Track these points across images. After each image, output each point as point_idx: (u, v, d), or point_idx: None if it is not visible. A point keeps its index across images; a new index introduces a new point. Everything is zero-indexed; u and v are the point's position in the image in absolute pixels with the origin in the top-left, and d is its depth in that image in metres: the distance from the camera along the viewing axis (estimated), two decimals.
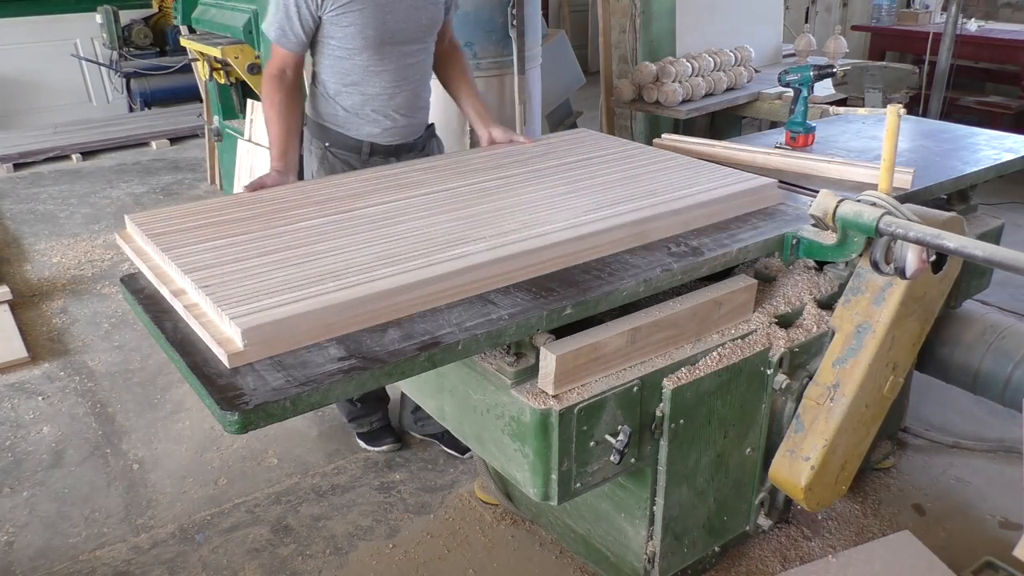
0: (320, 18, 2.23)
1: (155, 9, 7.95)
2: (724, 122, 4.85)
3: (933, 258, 1.88)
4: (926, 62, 4.88)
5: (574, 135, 2.56)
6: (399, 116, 2.40)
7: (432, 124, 2.58)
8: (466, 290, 1.57)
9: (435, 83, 2.53)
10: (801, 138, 2.58)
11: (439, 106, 2.86)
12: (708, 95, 4.33)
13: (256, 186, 2.11)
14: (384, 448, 2.80)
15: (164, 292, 1.58)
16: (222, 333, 1.40)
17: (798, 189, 2.23)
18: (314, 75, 2.41)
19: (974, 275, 2.41)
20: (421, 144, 2.51)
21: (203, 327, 1.42)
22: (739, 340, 1.84)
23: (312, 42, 2.31)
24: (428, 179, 2.10)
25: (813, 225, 1.93)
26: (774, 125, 4.42)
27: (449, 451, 2.77)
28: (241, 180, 4.77)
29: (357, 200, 1.94)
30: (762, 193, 2.06)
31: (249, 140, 4.70)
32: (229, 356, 1.34)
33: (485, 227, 1.76)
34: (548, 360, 1.57)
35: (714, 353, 1.80)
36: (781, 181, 2.22)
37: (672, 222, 1.87)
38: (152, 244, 1.70)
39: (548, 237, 1.70)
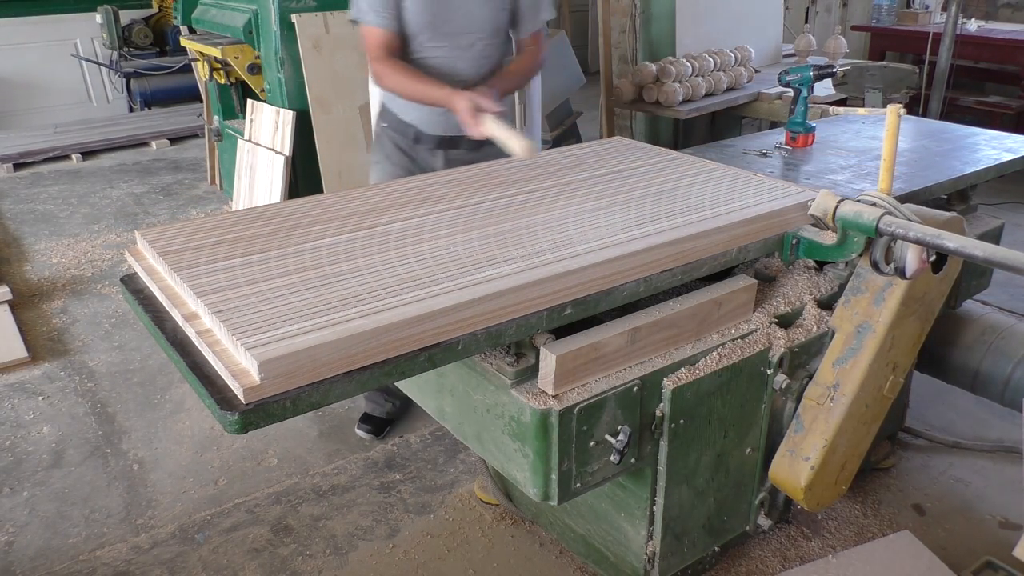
0: None
1: (155, 9, 7.95)
2: (724, 122, 4.85)
3: (933, 258, 1.88)
4: (926, 62, 4.88)
5: (604, 144, 2.47)
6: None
7: None
8: (498, 316, 1.49)
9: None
10: (801, 138, 2.58)
11: None
12: (708, 95, 4.33)
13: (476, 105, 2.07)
14: (360, 432, 2.89)
15: (176, 316, 1.51)
16: (237, 364, 1.31)
17: None
18: None
19: (974, 275, 2.41)
20: (475, 143, 2.34)
21: (217, 356, 1.34)
22: (739, 340, 1.84)
23: None
24: (452, 192, 2.00)
25: (813, 225, 1.93)
26: (774, 125, 4.43)
27: (362, 433, 2.89)
28: (241, 180, 4.78)
29: (378, 215, 1.85)
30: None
31: (249, 140, 4.70)
32: (245, 391, 1.25)
33: (516, 246, 1.66)
34: (548, 360, 1.57)
35: (714, 353, 1.80)
36: None
37: (715, 240, 1.78)
38: (163, 263, 1.62)
39: (584, 258, 1.60)
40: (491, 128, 2.08)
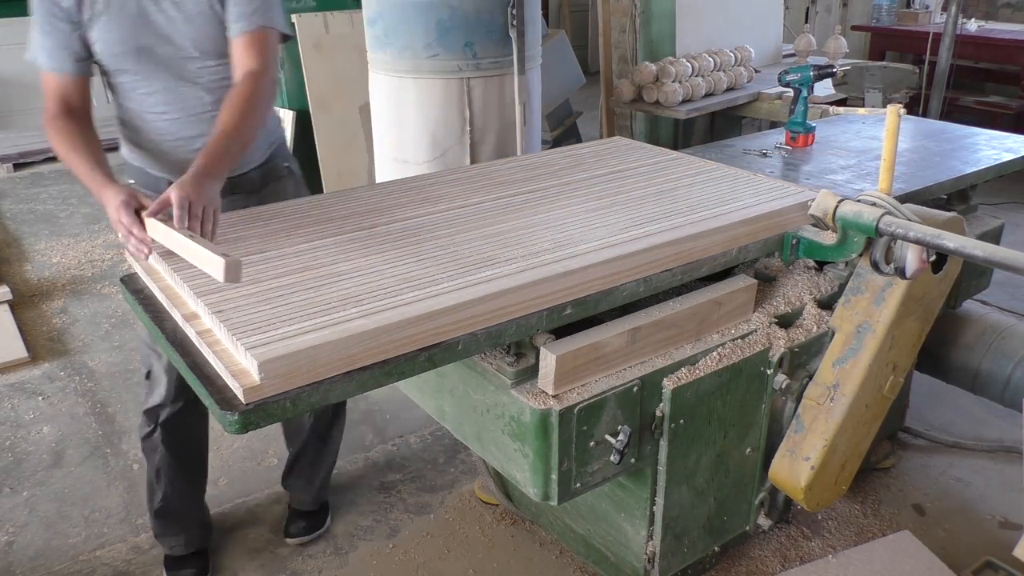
0: None
1: None
2: (724, 122, 4.85)
3: (933, 258, 1.88)
4: (926, 62, 4.88)
5: (604, 144, 2.47)
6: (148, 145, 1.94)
7: (272, 159, 2.07)
8: (498, 316, 1.49)
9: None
10: (801, 138, 2.58)
11: (439, 104, 2.86)
12: (708, 95, 4.33)
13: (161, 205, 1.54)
14: None
15: (176, 316, 1.51)
16: (237, 364, 1.31)
17: None
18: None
19: (974, 275, 2.41)
20: (258, 183, 2.01)
21: (217, 356, 1.34)
22: (739, 340, 1.84)
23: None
24: (452, 192, 2.01)
25: (813, 225, 1.93)
26: (774, 125, 4.43)
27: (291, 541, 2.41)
28: None
29: (378, 215, 1.84)
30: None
31: None
32: (245, 391, 1.25)
33: (516, 246, 1.66)
34: (548, 360, 1.57)
35: (714, 353, 1.80)
36: None
37: (715, 240, 1.78)
38: (163, 263, 1.60)
39: (584, 258, 1.61)
40: (169, 239, 1.52)
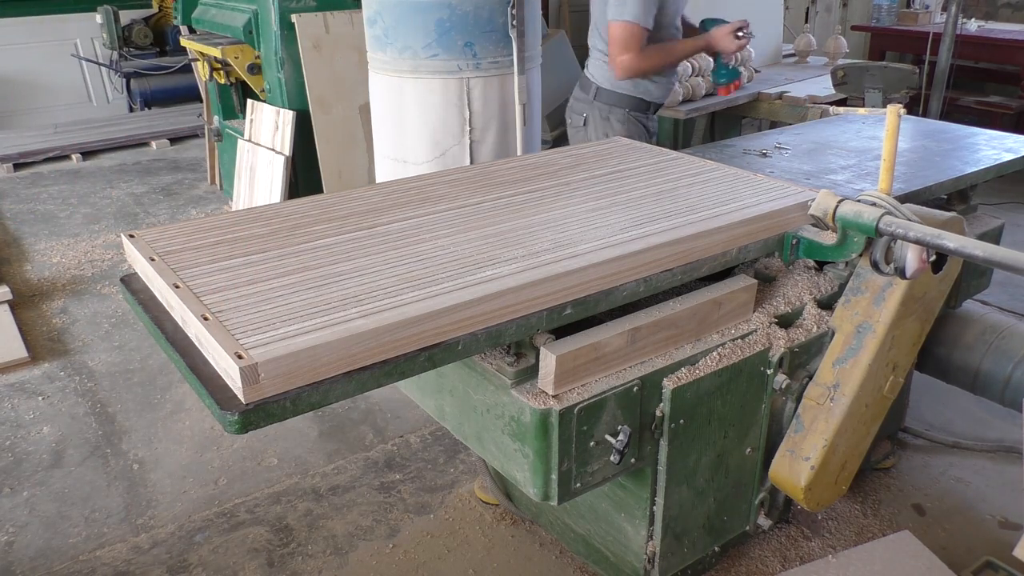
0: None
1: (155, 9, 7.95)
2: (724, 122, 4.85)
3: (933, 258, 1.88)
4: (926, 62, 4.88)
5: (604, 144, 2.48)
6: (663, 79, 2.99)
7: None
8: (498, 316, 1.49)
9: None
10: (722, 90, 3.15)
11: (439, 104, 2.86)
12: (708, 95, 4.33)
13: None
14: None
15: (176, 316, 1.51)
16: (235, 365, 1.28)
17: None
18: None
19: (974, 275, 2.41)
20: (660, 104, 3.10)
21: (216, 357, 1.33)
22: (739, 340, 1.84)
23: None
24: (452, 192, 2.00)
25: (813, 225, 1.93)
26: (774, 125, 4.43)
27: None
28: (241, 180, 4.78)
29: (378, 215, 1.84)
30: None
31: (249, 140, 4.71)
32: (245, 391, 1.26)
33: (516, 246, 1.66)
34: (548, 360, 1.57)
35: (714, 353, 1.80)
36: None
37: (715, 240, 1.78)
38: (164, 263, 1.61)
39: (584, 258, 1.60)
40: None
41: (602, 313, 1.66)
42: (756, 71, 4.66)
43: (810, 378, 1.98)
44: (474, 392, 1.73)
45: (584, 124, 3.08)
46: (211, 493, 2.65)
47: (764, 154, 2.54)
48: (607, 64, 2.93)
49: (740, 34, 2.88)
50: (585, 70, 3.09)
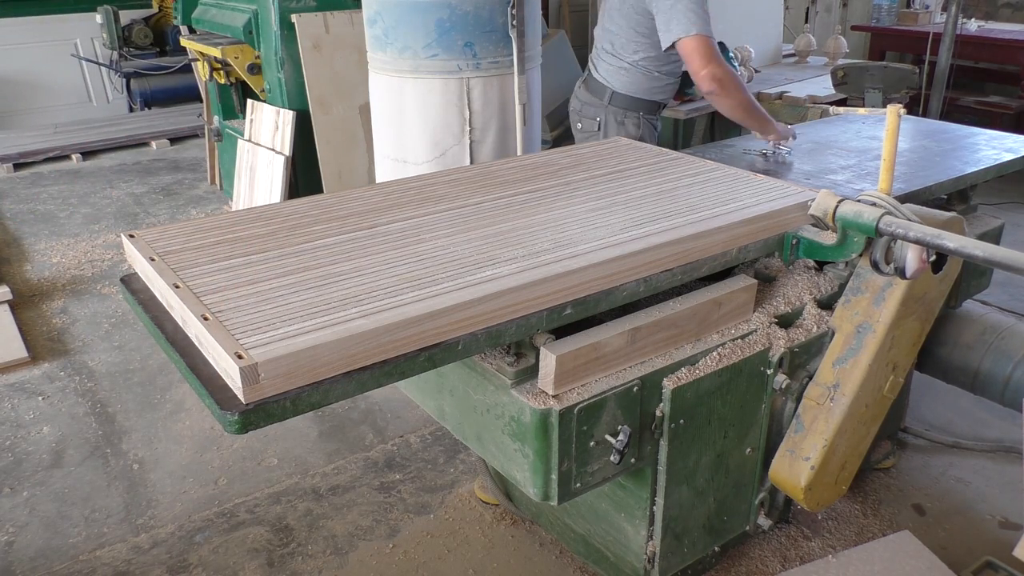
0: None
1: (155, 9, 7.95)
2: (724, 122, 4.85)
3: (933, 258, 1.88)
4: (926, 62, 4.88)
5: (604, 144, 2.49)
6: (671, 80, 2.96)
7: None
8: (498, 316, 1.48)
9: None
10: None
11: (439, 104, 2.86)
12: None
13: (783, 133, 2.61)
14: None
15: (176, 316, 1.51)
16: (235, 365, 1.28)
17: None
18: (636, 60, 2.87)
19: (974, 275, 2.41)
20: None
21: (216, 357, 1.33)
22: (739, 340, 1.84)
23: (646, 31, 2.77)
24: (452, 192, 2.00)
25: (813, 225, 1.93)
26: None
27: None
28: (241, 180, 4.78)
29: (378, 215, 1.84)
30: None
31: (249, 140, 4.71)
32: (245, 391, 1.26)
33: (515, 246, 1.66)
34: (548, 360, 1.57)
35: (714, 353, 1.80)
36: None
37: (715, 240, 1.78)
38: (164, 263, 1.61)
39: (584, 258, 1.60)
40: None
41: (602, 313, 1.66)
42: (756, 71, 4.66)
43: (810, 378, 1.98)
44: (474, 392, 1.73)
45: (599, 128, 3.06)
46: (211, 493, 2.65)
47: (764, 154, 2.55)
48: (625, 71, 2.90)
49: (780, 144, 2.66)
50: (593, 74, 3.04)
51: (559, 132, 5.20)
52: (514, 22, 2.82)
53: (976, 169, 2.38)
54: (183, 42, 5.26)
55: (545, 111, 4.45)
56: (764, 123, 2.60)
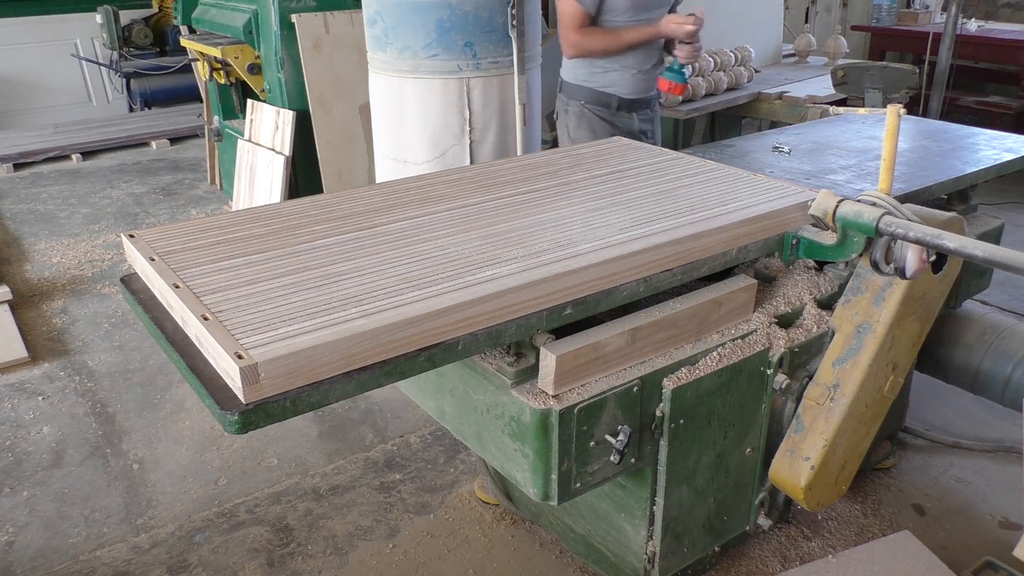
0: None
1: (155, 9, 7.96)
2: (724, 122, 4.86)
3: (933, 258, 1.88)
4: (926, 62, 4.88)
5: (604, 144, 2.48)
6: (639, 72, 2.93)
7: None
8: (498, 316, 1.48)
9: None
10: (662, 83, 2.90)
11: (439, 104, 2.86)
12: (708, 95, 4.33)
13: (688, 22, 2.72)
14: None
15: (176, 316, 1.51)
16: (235, 365, 1.28)
17: None
18: None
19: (974, 275, 2.41)
20: (651, 101, 3.06)
21: (217, 357, 1.33)
22: (739, 340, 1.84)
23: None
24: (452, 192, 2.00)
25: (813, 225, 1.93)
26: (774, 125, 4.42)
27: None
28: (241, 180, 4.78)
29: (378, 215, 1.84)
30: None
31: (249, 140, 4.71)
32: (245, 391, 1.26)
33: (516, 246, 1.66)
34: (548, 360, 1.57)
35: (714, 353, 1.80)
36: None
37: (715, 240, 1.78)
38: (164, 263, 1.61)
39: (584, 258, 1.60)
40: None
41: (602, 313, 1.66)
42: (756, 71, 4.66)
43: (810, 378, 1.98)
44: (474, 392, 1.73)
45: (556, 117, 3.13)
46: (211, 493, 2.65)
47: (776, 148, 2.56)
48: (567, 56, 2.98)
49: (690, 38, 2.78)
50: None
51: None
52: (514, 22, 2.82)
53: (976, 169, 2.38)
54: (183, 42, 5.27)
55: (545, 111, 4.45)
56: (642, 37, 2.82)
